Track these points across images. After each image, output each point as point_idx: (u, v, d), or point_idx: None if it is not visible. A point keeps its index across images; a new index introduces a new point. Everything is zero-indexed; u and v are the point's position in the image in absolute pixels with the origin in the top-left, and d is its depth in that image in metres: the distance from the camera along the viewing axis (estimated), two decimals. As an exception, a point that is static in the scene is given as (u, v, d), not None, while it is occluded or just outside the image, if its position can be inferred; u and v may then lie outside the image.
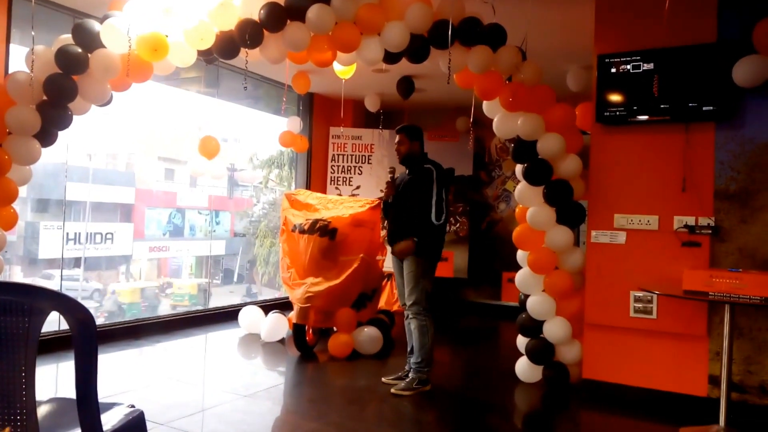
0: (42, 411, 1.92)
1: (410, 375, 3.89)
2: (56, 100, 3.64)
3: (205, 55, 3.91)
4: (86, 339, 1.74)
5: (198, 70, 5.25)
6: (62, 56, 3.55)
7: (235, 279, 18.51)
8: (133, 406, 2.03)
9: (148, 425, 2.05)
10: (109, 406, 1.99)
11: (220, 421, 3.23)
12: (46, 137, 3.72)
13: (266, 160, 12.99)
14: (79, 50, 3.59)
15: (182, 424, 3.13)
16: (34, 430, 1.67)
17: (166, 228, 18.36)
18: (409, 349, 4.03)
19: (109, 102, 4.02)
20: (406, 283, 3.89)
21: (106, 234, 15.79)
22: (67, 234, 14.06)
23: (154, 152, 18.22)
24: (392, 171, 4.20)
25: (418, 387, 3.82)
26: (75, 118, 3.81)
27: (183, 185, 18.53)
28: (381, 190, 4.21)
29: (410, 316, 3.91)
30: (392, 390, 3.77)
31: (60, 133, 3.83)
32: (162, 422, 3.12)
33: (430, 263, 3.91)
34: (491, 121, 4.10)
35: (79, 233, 14.80)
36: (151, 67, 3.78)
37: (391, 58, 3.89)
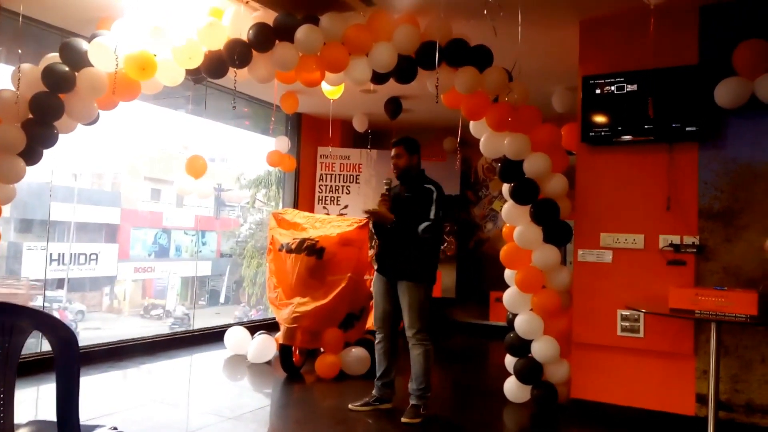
0: (21, 434, 1.87)
1: (415, 402, 3.69)
2: (42, 119, 3.61)
3: (194, 74, 3.91)
4: (68, 359, 1.70)
5: (186, 89, 5.24)
6: (49, 74, 3.53)
7: (221, 300, 18.33)
8: (115, 429, 1.99)
9: (131, 448, 1.99)
10: (91, 428, 1.95)
11: (204, 444, 3.17)
12: (31, 155, 3.68)
13: (253, 180, 12.96)
14: (66, 68, 3.58)
15: (166, 448, 3.06)
16: (12, 454, 1.63)
17: (152, 248, 18.18)
18: (379, 373, 3.89)
19: (96, 121, 4.00)
20: (409, 310, 3.69)
21: (91, 255, 15.61)
22: (51, 254, 13.88)
23: (140, 172, 18.13)
24: (389, 183, 3.90)
25: (425, 412, 3.69)
26: (61, 136, 3.79)
27: (169, 205, 18.42)
28: (365, 212, 3.88)
29: (415, 342, 3.71)
30: (403, 419, 3.60)
31: (45, 151, 3.80)
32: (145, 446, 3.05)
33: (432, 286, 3.80)
34: (478, 141, 4.13)
35: (63, 254, 14.61)
36: (138, 86, 3.77)
37: (378, 78, 3.92)
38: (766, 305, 3.14)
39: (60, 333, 1.68)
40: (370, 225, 4.06)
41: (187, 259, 18.18)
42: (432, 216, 3.66)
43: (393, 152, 3.89)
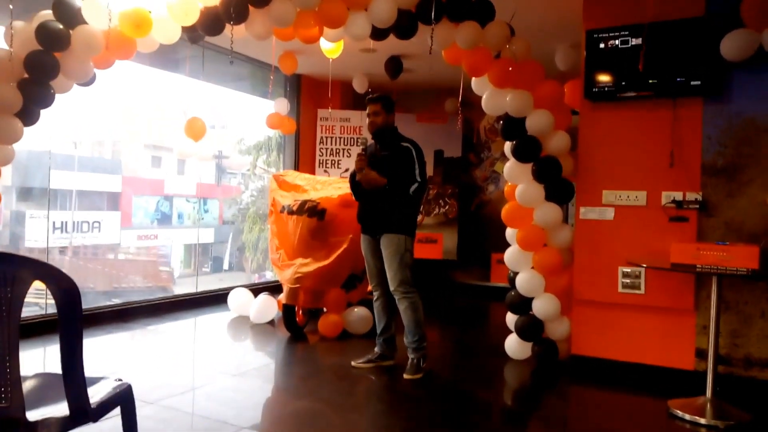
0: (27, 385, 1.89)
1: (412, 355, 3.76)
2: (37, 78, 3.57)
3: (190, 32, 3.84)
4: (70, 309, 1.71)
5: (183, 49, 5.16)
6: (43, 32, 3.47)
7: (225, 267, 18.43)
8: (120, 380, 2.01)
9: (137, 404, 2.02)
10: (96, 380, 1.97)
11: (210, 399, 3.22)
12: (28, 116, 3.65)
13: (254, 146, 12.87)
14: (60, 26, 3.52)
15: (172, 403, 3.11)
16: (19, 403, 1.65)
17: (154, 216, 18.21)
18: (379, 330, 3.95)
19: (92, 81, 3.95)
20: (390, 263, 3.74)
21: (93, 222, 15.63)
22: (54, 223, 13.89)
23: (140, 139, 18.03)
24: (365, 142, 3.91)
25: (425, 365, 3.75)
26: (60, 102, 3.75)
27: (170, 172, 18.37)
28: (358, 179, 3.82)
29: (399, 296, 3.76)
30: (404, 375, 3.66)
31: (44, 119, 3.76)
32: (151, 401, 3.10)
33: (412, 239, 3.81)
34: (480, 102, 4.08)
35: (66, 222, 14.63)
36: (134, 44, 3.71)
37: (378, 34, 3.84)
38: (768, 260, 3.14)
39: (62, 283, 1.69)
40: (349, 186, 4.03)
41: (189, 226, 18.22)
42: (418, 177, 3.69)
43: (369, 110, 3.85)
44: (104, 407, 1.82)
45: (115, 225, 16.32)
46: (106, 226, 15.77)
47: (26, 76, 3.55)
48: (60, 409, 1.71)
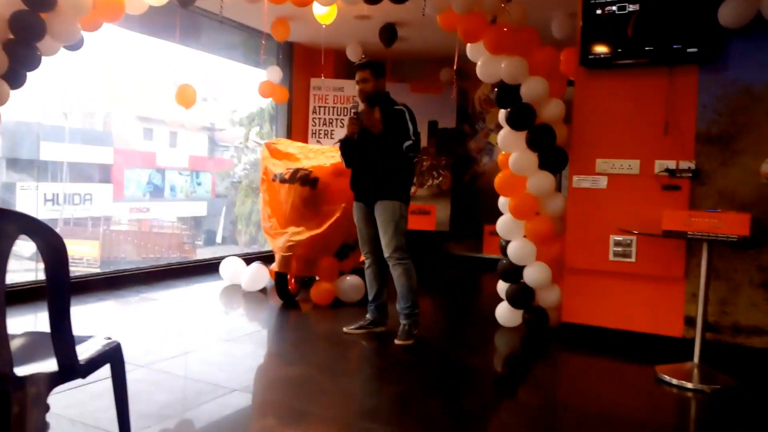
0: (15, 343, 1.87)
1: (404, 321, 3.77)
2: (23, 39, 3.49)
3: (179, -6, 3.76)
4: (57, 264, 1.69)
5: (173, 16, 5.06)
6: (28, -9, 3.39)
7: (218, 240, 18.39)
8: (109, 338, 2.00)
9: (129, 368, 2.02)
10: (85, 338, 1.96)
11: (201, 363, 3.23)
12: (14, 78, 3.57)
13: (246, 117, 12.75)
14: (46, -15, 3.43)
15: (163, 366, 3.12)
16: (6, 359, 1.64)
17: (146, 189, 18.08)
18: (371, 297, 3.96)
19: (80, 44, 3.87)
20: (384, 229, 3.72)
21: (85, 195, 15.51)
22: (45, 195, 13.78)
23: (131, 110, 17.81)
24: (356, 106, 3.82)
25: (416, 332, 3.77)
26: (49, 67, 3.67)
27: (162, 145, 18.19)
28: (350, 132, 3.74)
29: (393, 262, 3.75)
30: (396, 341, 3.68)
31: (34, 90, 3.69)
32: (143, 364, 3.11)
33: (407, 205, 3.80)
34: (475, 73, 4.03)
35: (57, 194, 14.51)
36: (122, 5, 3.63)
37: (372, -2, 3.78)
38: (759, 228, 3.15)
39: (49, 239, 1.66)
40: (339, 154, 3.97)
41: (182, 199, 18.12)
42: (412, 135, 3.64)
43: (359, 76, 3.78)
44: (93, 364, 1.82)
45: (107, 197, 16.21)
46: (97, 198, 15.67)
47: (11, 37, 3.47)
48: (48, 365, 1.71)
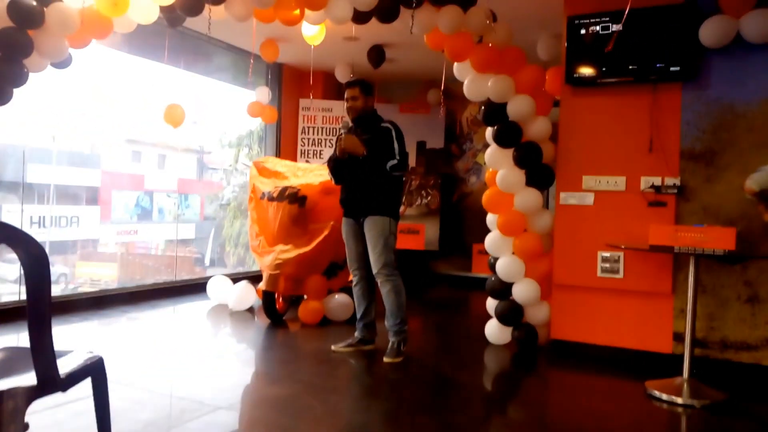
0: (-6, 358, 1.84)
1: (393, 338, 3.73)
2: (10, 56, 3.47)
3: (168, 12, 3.78)
4: (39, 276, 1.66)
5: (161, 36, 5.08)
6: (15, 8, 3.38)
7: (207, 263, 18.25)
8: (91, 352, 1.96)
9: (112, 386, 1.97)
10: (66, 352, 1.92)
11: (187, 381, 3.17)
12: (0, 94, 3.56)
13: (236, 139, 12.76)
14: (34, 3, 3.44)
15: (147, 384, 3.06)
16: (-16, 373, 1.60)
17: (134, 211, 17.97)
18: (359, 314, 3.93)
19: (68, 62, 3.87)
20: (374, 245, 3.70)
21: (72, 217, 15.38)
22: (31, 217, 13.64)
23: (119, 133, 17.77)
24: (346, 125, 3.86)
25: (405, 349, 3.73)
26: (34, 81, 3.66)
27: (151, 167, 18.13)
28: (339, 154, 3.74)
29: (382, 279, 3.73)
30: (385, 359, 3.65)
31: (21, 111, 3.67)
32: (126, 383, 3.04)
33: (396, 221, 3.79)
34: (462, 93, 4.07)
35: (44, 216, 14.37)
36: (110, 23, 3.65)
37: (360, 17, 3.82)
38: (744, 242, 3.18)
39: (30, 249, 1.64)
40: (328, 172, 3.97)
41: (170, 222, 18.00)
42: (398, 155, 3.65)
43: (348, 94, 3.81)
44: (74, 377, 1.77)
45: (94, 220, 16.08)
46: (84, 221, 15.54)
47: (-2, 53, 3.46)
48: (27, 378, 1.67)
